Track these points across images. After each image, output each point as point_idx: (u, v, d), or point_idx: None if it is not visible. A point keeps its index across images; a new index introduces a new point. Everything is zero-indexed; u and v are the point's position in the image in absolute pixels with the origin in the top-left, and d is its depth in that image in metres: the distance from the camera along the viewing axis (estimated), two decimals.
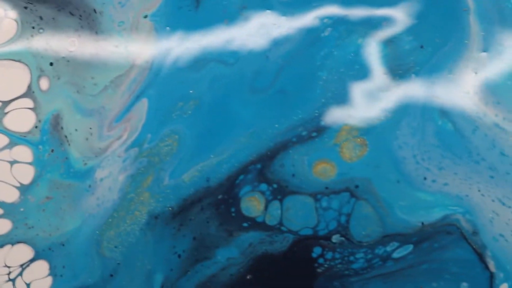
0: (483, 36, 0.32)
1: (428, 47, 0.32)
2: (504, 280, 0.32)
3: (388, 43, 0.32)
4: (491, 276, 0.32)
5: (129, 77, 0.33)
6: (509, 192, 0.31)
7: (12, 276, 0.33)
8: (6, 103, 0.33)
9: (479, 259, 0.32)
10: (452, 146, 0.32)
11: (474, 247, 0.32)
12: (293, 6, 0.32)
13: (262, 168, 0.33)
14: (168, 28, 0.33)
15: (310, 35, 0.33)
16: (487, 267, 0.32)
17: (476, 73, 0.31)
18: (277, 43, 0.33)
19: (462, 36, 0.32)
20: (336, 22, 0.33)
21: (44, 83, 0.33)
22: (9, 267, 0.33)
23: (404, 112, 0.32)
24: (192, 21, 0.33)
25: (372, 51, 0.32)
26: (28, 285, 0.33)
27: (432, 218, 0.32)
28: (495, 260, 0.32)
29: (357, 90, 0.32)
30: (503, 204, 0.31)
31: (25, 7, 0.33)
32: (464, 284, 0.32)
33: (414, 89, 0.32)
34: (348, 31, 0.32)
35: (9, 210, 0.33)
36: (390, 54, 0.32)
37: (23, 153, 0.33)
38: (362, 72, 0.32)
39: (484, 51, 0.31)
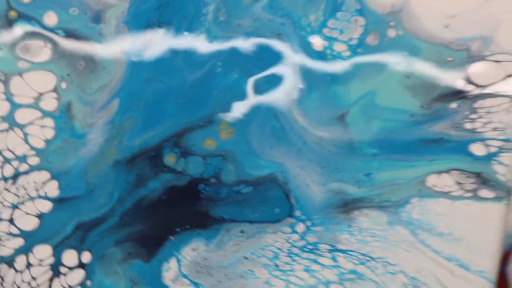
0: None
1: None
2: (298, 208, 0.57)
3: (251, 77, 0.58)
4: (292, 206, 0.57)
5: (109, 85, 0.54)
6: (305, 163, 0.55)
7: (37, 187, 0.59)
8: (43, 93, 0.54)
9: (286, 197, 0.55)
10: (278, 136, 0.54)
11: (284, 190, 0.56)
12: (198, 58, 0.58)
13: (177, 140, 0.55)
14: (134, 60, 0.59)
15: (210, 70, 0.56)
16: (290, 201, 0.57)
17: (293, 99, 0.57)
18: (192, 74, 0.58)
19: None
20: (224, 64, 0.56)
21: (63, 85, 0.54)
22: (36, 183, 0.58)
23: (255, 115, 0.56)
24: (144, 64, 0.58)
25: (242, 81, 0.58)
26: (46, 193, 0.59)
27: (264, 173, 0.54)
28: (295, 198, 0.56)
29: (232, 102, 0.58)
30: (302, 169, 0.57)
31: (56, 43, 0.59)
32: (277, 210, 0.57)
33: (262, 103, 0.58)
34: (229, 71, 0.55)
35: (39, 152, 0.55)
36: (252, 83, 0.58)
37: (49, 122, 0.54)
38: (236, 92, 0.57)
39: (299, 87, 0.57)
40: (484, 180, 0.55)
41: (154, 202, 0.55)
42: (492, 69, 0.55)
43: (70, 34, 0.55)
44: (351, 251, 0.55)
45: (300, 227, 0.55)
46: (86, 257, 0.56)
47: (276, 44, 0.56)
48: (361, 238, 0.55)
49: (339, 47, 0.55)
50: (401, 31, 0.55)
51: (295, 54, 0.55)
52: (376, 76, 0.55)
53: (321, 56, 0.55)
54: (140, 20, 0.56)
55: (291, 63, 0.55)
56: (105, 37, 0.56)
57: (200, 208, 0.55)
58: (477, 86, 0.55)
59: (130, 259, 0.56)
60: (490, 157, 0.55)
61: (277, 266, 0.56)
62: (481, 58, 0.55)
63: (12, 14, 0.54)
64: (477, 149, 0.55)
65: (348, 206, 0.55)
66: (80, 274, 0.56)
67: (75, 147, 0.56)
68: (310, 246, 0.55)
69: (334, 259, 0.56)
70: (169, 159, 0.55)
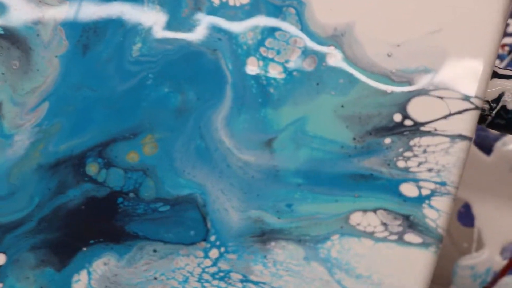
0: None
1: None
2: (214, 233, 0.55)
3: (182, 92, 0.56)
4: (207, 230, 0.55)
5: (41, 88, 0.54)
6: (227, 187, 0.54)
7: None
8: None
9: (203, 220, 0.55)
10: (202, 156, 0.54)
11: (202, 212, 0.55)
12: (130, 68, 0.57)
13: (101, 150, 0.55)
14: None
15: (141, 81, 0.57)
16: (206, 225, 0.55)
17: (222, 118, 0.55)
18: (122, 84, 0.57)
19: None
20: (156, 76, 0.57)
21: None
22: None
23: (181, 132, 0.56)
24: (81, 67, 0.58)
25: (172, 95, 0.57)
26: None
27: (183, 193, 0.53)
28: (211, 221, 0.54)
29: (161, 115, 0.57)
30: (222, 193, 0.55)
31: None
32: (192, 232, 0.56)
33: (189, 120, 0.56)
34: (160, 83, 0.57)
35: None
36: (181, 99, 0.56)
37: None
38: (164, 106, 0.57)
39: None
40: (412, 224, 0.51)
41: (72, 211, 0.55)
42: (433, 105, 0.51)
43: (9, 32, 0.55)
44: (263, 283, 0.53)
45: (214, 253, 0.53)
46: (1, 259, 0.55)
47: (210, 60, 0.54)
48: (275, 271, 0.53)
49: (274, 68, 0.53)
50: (340, 57, 0.52)
51: (228, 71, 0.53)
52: (309, 102, 0.52)
53: (255, 76, 0.53)
54: (77, 25, 0.55)
55: (223, 81, 0.53)
56: (42, 39, 0.55)
57: (116, 222, 0.55)
58: (416, 122, 0.51)
59: (42, 266, 0.55)
60: (421, 199, 0.51)
61: None
62: (422, 92, 0.51)
63: None
64: (408, 190, 0.51)
65: (265, 236, 0.53)
66: None
67: (2, 147, 0.56)
68: (221, 274, 0.54)
69: None
70: (91, 168, 0.55)
